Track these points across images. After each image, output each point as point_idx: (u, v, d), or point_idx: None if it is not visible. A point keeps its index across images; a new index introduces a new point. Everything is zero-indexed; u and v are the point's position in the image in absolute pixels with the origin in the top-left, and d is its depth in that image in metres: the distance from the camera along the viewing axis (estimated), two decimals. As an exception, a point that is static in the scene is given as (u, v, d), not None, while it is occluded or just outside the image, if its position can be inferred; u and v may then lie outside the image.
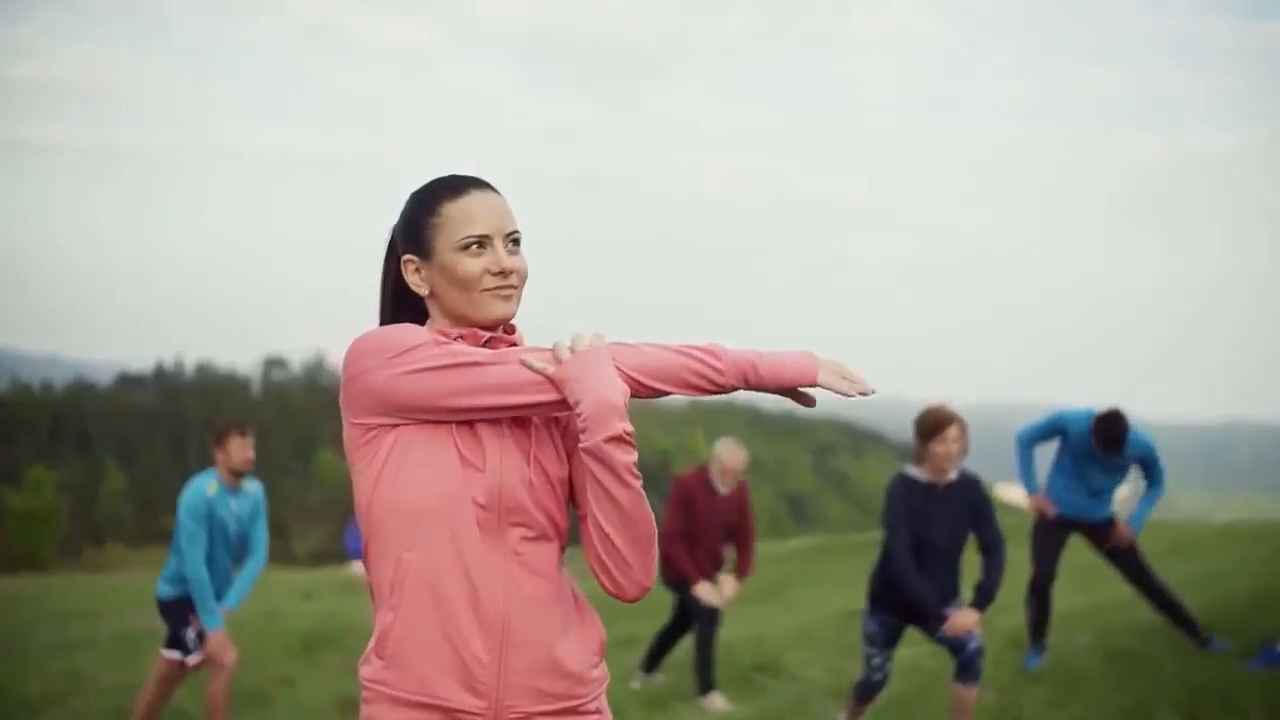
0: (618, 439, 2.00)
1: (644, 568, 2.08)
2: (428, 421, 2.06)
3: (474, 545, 2.04)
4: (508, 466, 2.07)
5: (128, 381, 77.97)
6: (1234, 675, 6.11)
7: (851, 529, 40.28)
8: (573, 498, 2.17)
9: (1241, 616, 7.24)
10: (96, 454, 62.79)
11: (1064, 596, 7.53)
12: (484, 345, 2.13)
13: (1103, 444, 6.66)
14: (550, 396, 2.05)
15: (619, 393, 2.02)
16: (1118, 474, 6.90)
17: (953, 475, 5.28)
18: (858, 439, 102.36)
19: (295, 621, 11.57)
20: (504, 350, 2.11)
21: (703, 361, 2.09)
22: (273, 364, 78.93)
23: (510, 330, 2.19)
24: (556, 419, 2.16)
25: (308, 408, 71.92)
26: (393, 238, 2.24)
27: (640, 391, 2.07)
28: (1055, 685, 6.36)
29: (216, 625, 5.92)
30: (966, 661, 5.20)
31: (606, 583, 2.09)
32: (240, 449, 6.04)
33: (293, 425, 67.28)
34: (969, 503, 5.28)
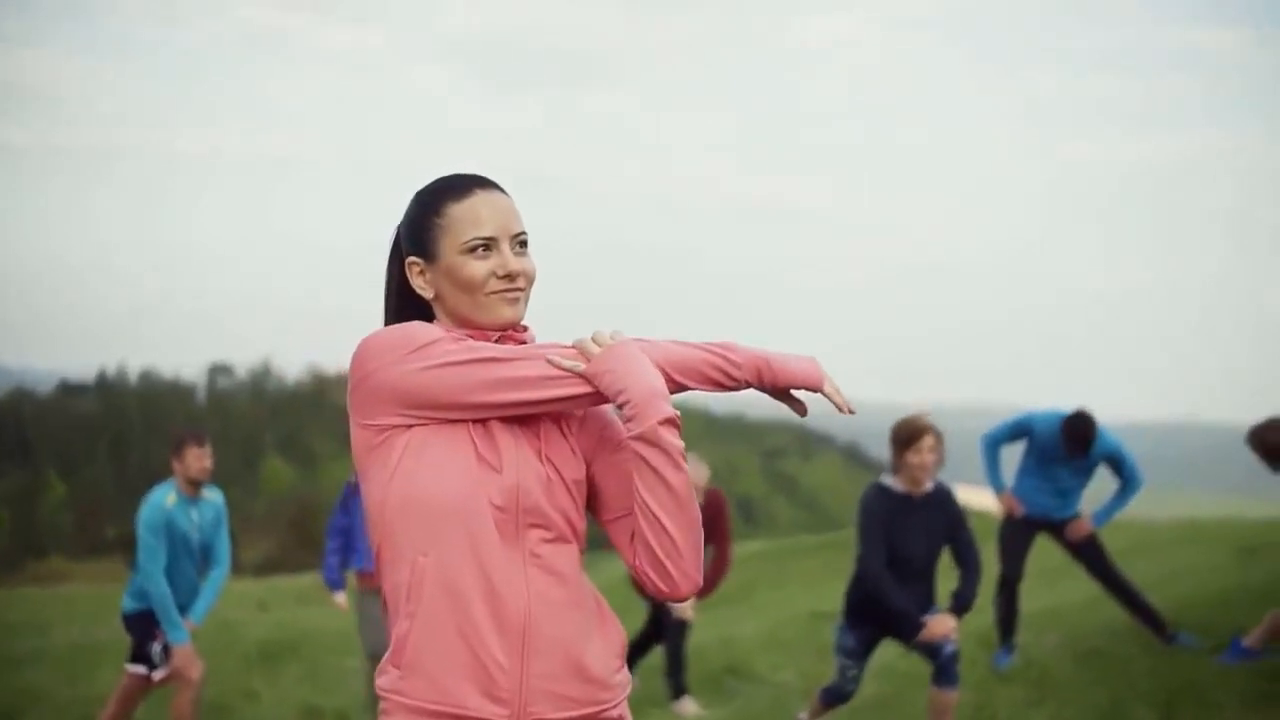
0: (669, 422, 1.97)
1: (695, 559, 2.03)
2: (445, 420, 1.99)
3: (492, 548, 1.97)
4: (524, 467, 2.02)
5: (69, 389, 76.76)
6: (1206, 671, 6.15)
7: (800, 531, 40.44)
8: (590, 503, 2.12)
9: (1206, 614, 7.30)
10: (37, 464, 61.78)
11: (1031, 596, 7.56)
12: (495, 343, 2.07)
13: (1070, 445, 6.70)
14: (581, 390, 2.01)
15: (660, 379, 2.00)
16: (1084, 474, 6.94)
17: (928, 486, 5.28)
18: (806, 442, 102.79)
19: (252, 632, 11.44)
20: (525, 346, 2.06)
21: (721, 357, 2.09)
22: (218, 371, 77.97)
23: (521, 330, 2.14)
24: (570, 419, 2.11)
25: (253, 415, 71.21)
26: (397, 239, 2.17)
27: (668, 386, 2.03)
28: (1028, 685, 6.37)
29: (182, 639, 5.80)
30: (943, 665, 5.19)
31: (657, 578, 2.03)
32: (197, 458, 5.93)
33: (238, 433, 66.48)
34: (944, 514, 5.29)
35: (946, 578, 5.26)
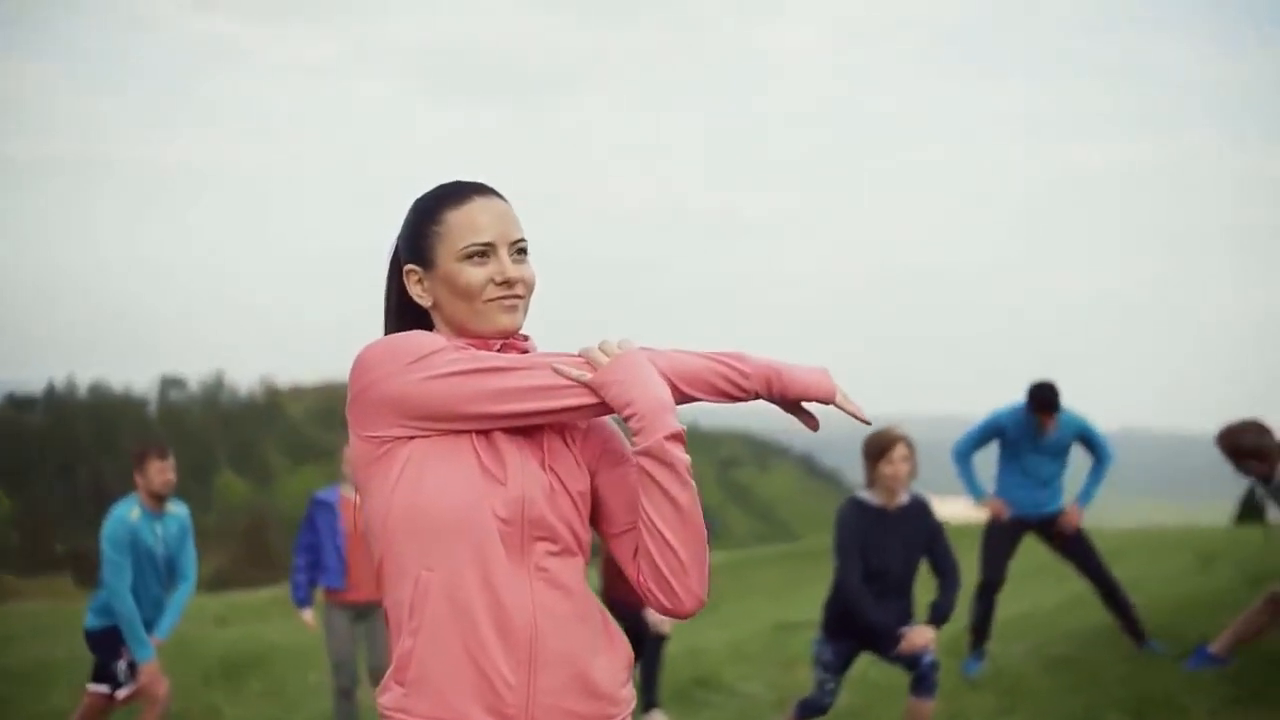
0: (677, 436, 1.94)
1: (700, 576, 2.00)
2: (448, 431, 1.96)
3: (498, 561, 1.93)
4: (529, 478, 1.98)
5: (16, 403, 75.58)
6: (1174, 678, 6.19)
7: (756, 542, 40.54)
8: (593, 516, 2.08)
9: (1169, 621, 7.35)
10: (-16, 479, 60.79)
11: (999, 603, 7.56)
12: (497, 352, 2.04)
13: (1041, 412, 6.75)
14: (587, 400, 1.97)
15: (668, 392, 1.96)
16: (1060, 457, 6.98)
17: (904, 499, 5.28)
18: (761, 451, 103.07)
19: (212, 647, 11.26)
20: (529, 355, 2.03)
21: (730, 367, 2.05)
22: (170, 384, 77.15)
23: (522, 339, 2.10)
24: (573, 430, 2.08)
25: (206, 428, 70.54)
26: (396, 248, 2.14)
27: (675, 396, 2.00)
28: (1000, 692, 6.39)
29: (148, 656, 5.70)
30: (922, 675, 5.19)
31: (662, 597, 1.99)
32: (160, 471, 5.83)
33: (191, 447, 65.82)
34: (921, 526, 5.29)
35: (925, 588, 5.26)
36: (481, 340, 2.04)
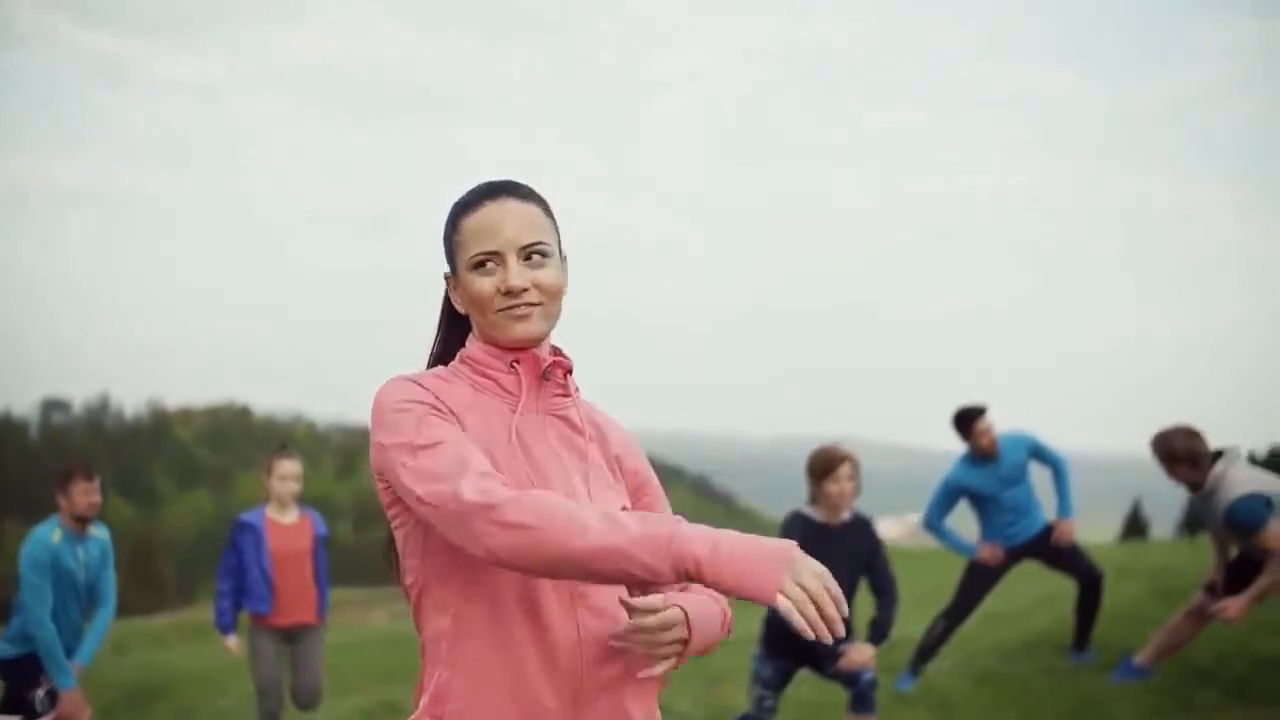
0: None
1: None
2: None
3: (541, 590, 1.87)
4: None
5: (-113, 427, 72.62)
6: (1102, 690, 6.31)
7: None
8: None
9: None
10: None
11: (919, 623, 7.64)
12: (545, 371, 1.98)
13: (970, 426, 6.84)
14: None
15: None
16: (1023, 480, 7.05)
17: (846, 515, 5.31)
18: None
19: (112, 675, 10.94)
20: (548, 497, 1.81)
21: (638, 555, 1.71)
22: (52, 406, 74.81)
23: (558, 353, 2.03)
24: (608, 452, 2.05)
25: (90, 452, 68.56)
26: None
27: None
28: (931, 708, 6.45)
29: (70, 684, 5.49)
30: (861, 693, 5.21)
31: None
32: (85, 493, 5.63)
33: (73, 470, 64.03)
34: (862, 542, 5.31)
35: (865, 607, 5.29)
36: (501, 350, 1.98)
